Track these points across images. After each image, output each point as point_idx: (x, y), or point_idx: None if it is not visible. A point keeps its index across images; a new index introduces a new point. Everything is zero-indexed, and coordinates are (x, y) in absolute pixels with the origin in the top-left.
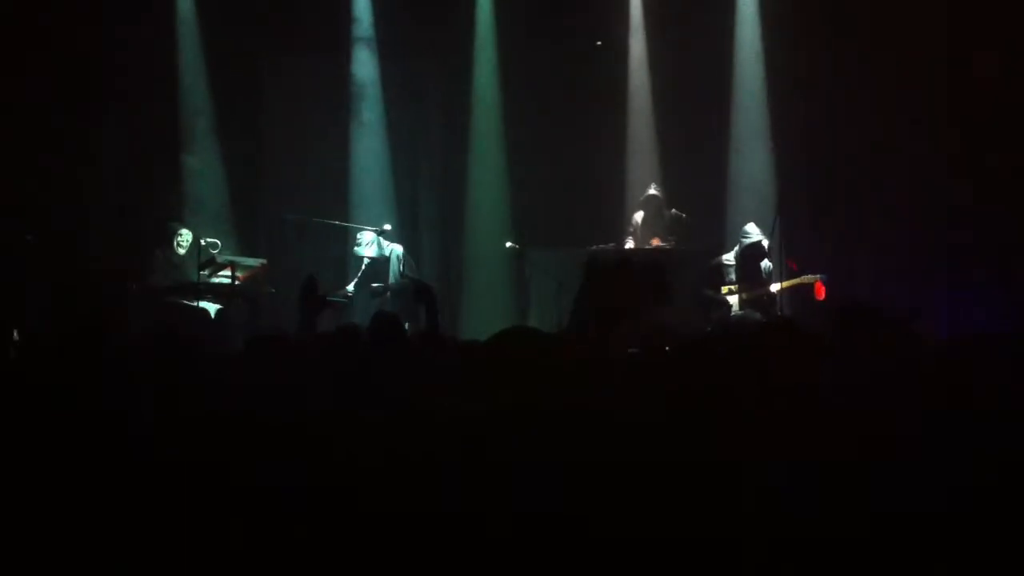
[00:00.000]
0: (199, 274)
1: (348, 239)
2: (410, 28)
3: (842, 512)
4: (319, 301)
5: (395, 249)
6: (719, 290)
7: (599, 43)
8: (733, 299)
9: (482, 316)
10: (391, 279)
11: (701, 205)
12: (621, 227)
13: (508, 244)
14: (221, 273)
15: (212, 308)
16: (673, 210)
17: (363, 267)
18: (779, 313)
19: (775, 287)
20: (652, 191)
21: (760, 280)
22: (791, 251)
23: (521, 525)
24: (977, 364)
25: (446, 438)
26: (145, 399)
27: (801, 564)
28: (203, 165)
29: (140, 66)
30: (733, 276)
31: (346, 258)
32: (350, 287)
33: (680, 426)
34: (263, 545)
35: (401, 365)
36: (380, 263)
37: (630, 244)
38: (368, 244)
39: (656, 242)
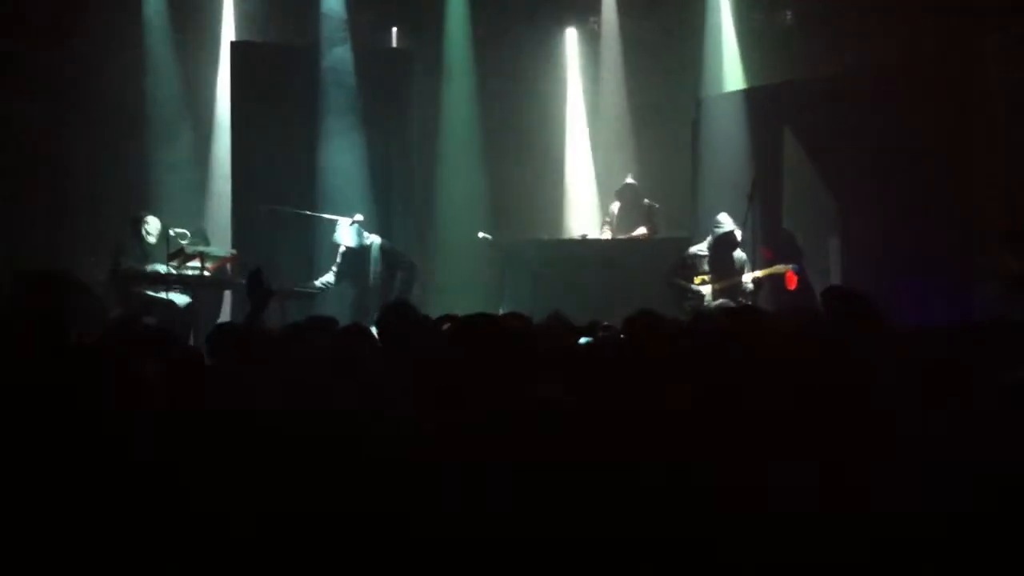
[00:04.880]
0: (168, 265)
1: (321, 230)
2: (383, 18)
3: (839, 515)
4: (266, 293)
5: (375, 241)
6: (692, 280)
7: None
8: (706, 289)
9: (455, 308)
10: (371, 272)
11: (673, 195)
12: (594, 217)
13: (481, 234)
14: (190, 264)
15: (181, 300)
16: (646, 200)
17: (339, 256)
18: (754, 303)
19: (748, 277)
20: (629, 180)
21: (733, 270)
22: (764, 240)
23: (504, 526)
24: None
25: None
26: (113, 392)
27: (800, 564)
28: (173, 155)
29: (108, 54)
30: (706, 266)
31: (318, 249)
32: (327, 278)
33: (666, 420)
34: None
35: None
36: (359, 253)
37: (607, 234)
38: (346, 233)
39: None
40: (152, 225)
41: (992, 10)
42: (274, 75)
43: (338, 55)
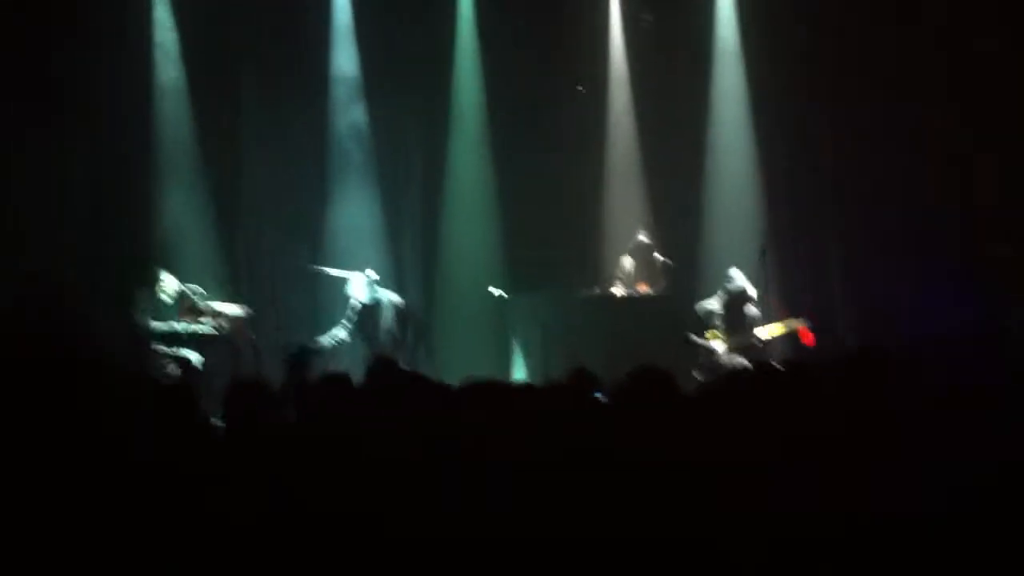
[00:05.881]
0: (181, 321)
1: (334, 286)
2: (391, 66)
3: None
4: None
5: (388, 297)
6: (703, 336)
7: (580, 88)
8: (719, 346)
9: (465, 363)
10: (381, 329)
11: (684, 249)
12: (603, 271)
13: (491, 289)
14: (201, 319)
15: (195, 357)
16: (659, 257)
17: (350, 311)
18: (769, 360)
19: (762, 333)
20: (641, 238)
21: (745, 326)
22: (775, 287)
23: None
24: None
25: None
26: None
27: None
28: (183, 202)
29: (115, 91)
30: (717, 321)
31: (325, 303)
32: (340, 334)
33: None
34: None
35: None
36: (372, 309)
37: (618, 289)
38: (359, 288)
39: (643, 288)
40: (168, 284)
41: (988, 13)
42: (286, 130)
43: (351, 115)
